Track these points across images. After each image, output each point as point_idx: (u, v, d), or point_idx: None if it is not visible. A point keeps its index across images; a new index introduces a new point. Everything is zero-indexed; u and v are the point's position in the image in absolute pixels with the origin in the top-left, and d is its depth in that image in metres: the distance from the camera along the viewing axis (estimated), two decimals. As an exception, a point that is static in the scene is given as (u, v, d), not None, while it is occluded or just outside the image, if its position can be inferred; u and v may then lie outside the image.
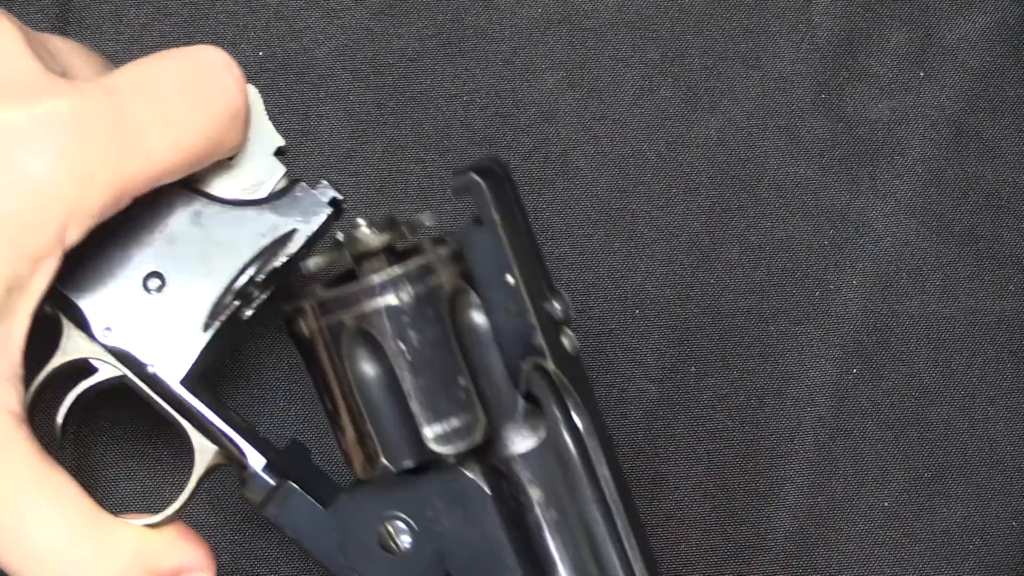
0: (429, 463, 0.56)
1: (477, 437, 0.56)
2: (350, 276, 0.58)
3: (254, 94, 0.59)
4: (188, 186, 0.58)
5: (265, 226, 0.58)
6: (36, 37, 0.57)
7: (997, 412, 0.71)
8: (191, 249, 0.58)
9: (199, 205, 0.58)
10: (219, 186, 0.58)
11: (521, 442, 0.56)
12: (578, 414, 0.55)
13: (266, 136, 0.59)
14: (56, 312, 0.58)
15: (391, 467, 0.56)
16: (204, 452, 0.58)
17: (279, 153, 0.59)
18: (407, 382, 0.55)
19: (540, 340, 0.55)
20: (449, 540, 0.56)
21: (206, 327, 0.58)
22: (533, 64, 0.71)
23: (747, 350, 0.70)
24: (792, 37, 0.71)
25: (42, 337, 0.57)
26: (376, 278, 0.55)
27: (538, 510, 0.56)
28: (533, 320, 0.55)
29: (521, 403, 0.56)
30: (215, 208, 0.58)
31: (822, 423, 0.70)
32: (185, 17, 0.70)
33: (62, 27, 0.69)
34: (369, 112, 0.70)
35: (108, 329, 0.57)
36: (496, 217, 0.55)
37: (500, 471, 0.56)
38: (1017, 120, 0.72)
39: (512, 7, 0.71)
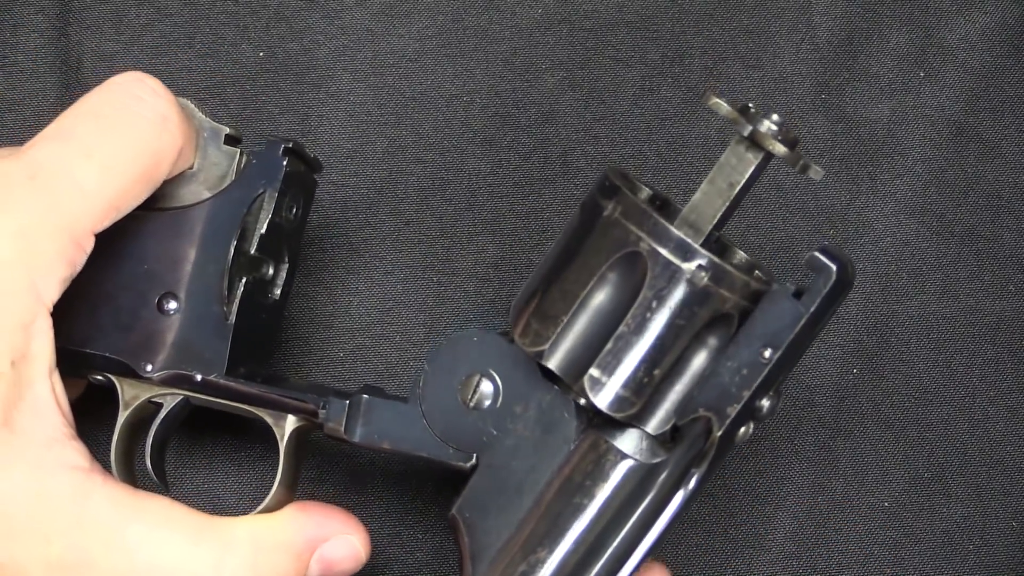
0: (561, 382, 0.57)
1: (616, 414, 0.56)
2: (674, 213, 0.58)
3: (184, 101, 0.60)
4: (160, 209, 0.59)
5: (237, 202, 0.60)
6: None
7: (997, 412, 0.71)
8: (186, 258, 0.59)
9: (175, 218, 0.60)
10: (189, 196, 0.60)
11: (633, 447, 0.56)
12: (686, 483, 0.55)
13: (212, 132, 0.60)
14: (103, 374, 0.60)
15: (543, 359, 0.56)
16: (279, 423, 0.60)
17: (230, 141, 0.60)
18: (624, 328, 0.55)
19: (731, 412, 0.55)
20: (506, 441, 0.57)
21: (226, 316, 0.59)
22: (533, 64, 0.71)
23: (747, 350, 0.70)
24: (792, 37, 0.71)
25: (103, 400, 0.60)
26: (696, 244, 0.55)
27: (586, 500, 0.56)
28: (744, 395, 0.55)
29: (668, 428, 0.56)
30: (193, 213, 0.60)
31: (822, 423, 0.70)
32: (185, 17, 0.70)
33: (62, 28, 0.69)
34: (369, 112, 0.70)
35: (150, 365, 0.59)
36: (812, 310, 0.54)
37: (595, 444, 0.56)
38: (1017, 120, 0.72)
39: (512, 7, 0.71)
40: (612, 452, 0.56)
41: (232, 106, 0.70)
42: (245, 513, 0.59)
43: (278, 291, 0.62)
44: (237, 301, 0.59)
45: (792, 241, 0.71)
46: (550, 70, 0.71)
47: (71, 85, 0.69)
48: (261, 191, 0.60)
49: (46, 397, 0.56)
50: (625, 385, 0.55)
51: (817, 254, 0.54)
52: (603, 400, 0.56)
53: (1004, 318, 0.71)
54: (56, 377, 0.56)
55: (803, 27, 0.72)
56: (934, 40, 0.72)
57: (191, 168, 0.60)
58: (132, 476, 0.61)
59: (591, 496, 0.56)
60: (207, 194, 0.60)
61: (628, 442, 0.56)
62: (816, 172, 0.56)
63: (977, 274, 0.71)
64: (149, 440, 0.61)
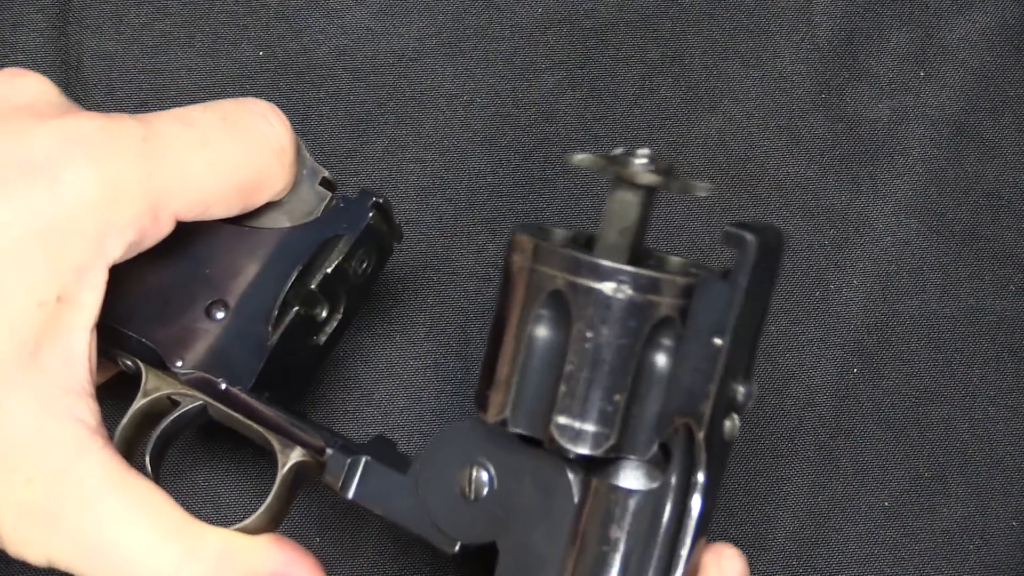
0: (542, 443, 0.56)
1: (597, 452, 0.55)
2: (589, 244, 0.57)
3: (297, 140, 0.61)
4: (243, 224, 0.60)
5: (313, 239, 0.60)
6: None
7: (997, 412, 0.71)
8: (249, 275, 0.60)
9: (254, 238, 0.60)
10: (268, 219, 0.61)
11: (631, 479, 0.55)
12: (693, 492, 0.54)
13: (310, 171, 0.61)
14: (134, 361, 0.60)
15: (510, 425, 0.56)
16: (284, 452, 0.59)
17: (325, 184, 0.61)
18: (570, 366, 0.55)
19: (706, 410, 0.54)
20: (517, 517, 0.56)
21: (268, 337, 0.60)
22: (533, 64, 0.71)
23: (747, 350, 0.70)
24: (792, 37, 0.71)
25: (127, 386, 0.60)
26: (604, 261, 0.54)
27: (607, 547, 0.55)
28: (711, 389, 0.54)
29: (655, 448, 0.55)
30: (269, 235, 0.60)
31: (822, 423, 0.70)
32: (185, 17, 0.70)
33: (62, 27, 0.69)
34: (369, 112, 0.70)
35: (180, 361, 0.60)
36: (743, 283, 0.54)
37: (597, 490, 0.56)
38: (1017, 120, 0.72)
39: (512, 7, 0.71)
40: (613, 492, 0.55)
41: (232, 106, 0.70)
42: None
43: (324, 337, 0.62)
44: (283, 328, 0.60)
45: (792, 241, 0.71)
46: (550, 70, 0.71)
47: (71, 85, 0.69)
48: (340, 234, 0.60)
49: (80, 347, 0.56)
50: (592, 421, 0.55)
51: (729, 229, 0.54)
52: (578, 443, 0.55)
53: (1004, 318, 0.71)
54: (93, 336, 0.56)
55: (803, 27, 0.72)
56: (934, 40, 0.72)
57: (281, 197, 0.61)
58: (130, 460, 0.60)
59: (610, 542, 0.55)
60: (287, 223, 0.61)
61: (624, 476, 0.56)
62: (702, 188, 0.56)
63: (977, 274, 0.71)
64: (157, 431, 0.60)
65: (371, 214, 0.61)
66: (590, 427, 0.55)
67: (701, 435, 0.54)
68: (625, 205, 0.56)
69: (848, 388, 0.70)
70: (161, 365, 0.60)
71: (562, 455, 0.56)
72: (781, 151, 0.71)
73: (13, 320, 0.54)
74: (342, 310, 0.62)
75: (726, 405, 0.55)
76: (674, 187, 0.55)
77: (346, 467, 0.59)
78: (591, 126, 0.71)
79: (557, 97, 0.71)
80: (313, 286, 0.60)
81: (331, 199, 0.61)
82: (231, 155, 0.58)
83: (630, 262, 0.55)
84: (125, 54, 0.70)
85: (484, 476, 0.57)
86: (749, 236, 0.53)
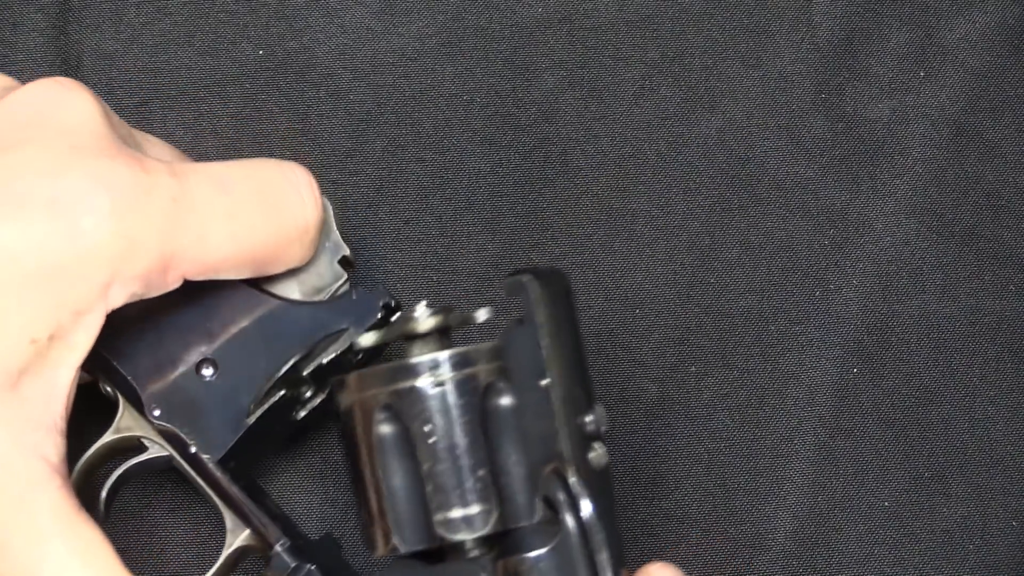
0: (444, 550, 0.57)
1: (486, 529, 0.56)
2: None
3: (326, 204, 0.61)
4: (251, 284, 0.60)
5: (318, 324, 0.60)
6: (116, 118, 0.60)
7: (997, 412, 0.71)
8: (246, 341, 0.60)
9: (260, 302, 0.60)
10: (282, 287, 0.61)
11: (533, 544, 0.56)
12: (591, 528, 0.55)
13: (333, 245, 0.62)
14: (115, 391, 0.60)
15: (402, 547, 0.57)
16: (235, 532, 0.60)
17: (344, 263, 0.62)
18: (425, 465, 0.56)
19: (564, 448, 0.55)
20: None
21: (249, 414, 0.60)
22: (533, 64, 0.71)
23: (747, 350, 0.70)
24: (792, 37, 0.71)
25: (101, 413, 0.60)
26: (413, 359, 0.56)
27: None
28: (559, 427, 0.55)
29: (539, 505, 0.56)
30: (275, 305, 0.60)
31: (822, 423, 0.70)
32: (185, 17, 0.70)
33: (62, 27, 0.69)
34: (369, 112, 0.70)
35: (159, 410, 0.60)
36: (538, 320, 0.55)
37: (509, 570, 0.56)
38: (1017, 120, 0.72)
39: (512, 7, 0.71)
40: (522, 564, 0.56)
41: (232, 105, 0.70)
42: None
43: (303, 413, 0.62)
44: (264, 408, 0.60)
45: (792, 241, 0.71)
46: (550, 69, 0.71)
47: (71, 84, 0.69)
48: (345, 327, 0.60)
49: (62, 385, 0.56)
50: (469, 503, 0.56)
51: (507, 280, 0.56)
52: (466, 529, 0.56)
53: (1004, 318, 0.71)
54: (77, 373, 0.56)
55: (803, 26, 0.72)
56: (934, 40, 0.72)
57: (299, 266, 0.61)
58: (88, 490, 0.61)
59: None
60: (297, 295, 0.61)
61: (526, 545, 0.56)
62: (482, 314, 0.58)
63: (977, 274, 0.71)
64: (120, 470, 0.61)
65: (379, 315, 0.61)
66: (471, 510, 0.56)
67: (571, 474, 0.55)
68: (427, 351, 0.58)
69: (848, 388, 0.70)
70: (139, 406, 0.60)
71: (465, 556, 0.57)
72: (781, 151, 0.71)
73: (1, 352, 0.55)
74: (327, 389, 0.62)
75: (582, 438, 0.56)
76: (456, 320, 0.58)
77: (288, 570, 0.59)
78: (591, 126, 0.71)
79: (557, 97, 0.71)
80: (305, 373, 0.60)
81: (344, 282, 0.61)
82: (255, 231, 0.58)
83: (442, 345, 0.57)
84: (125, 54, 0.69)
85: None
86: (525, 278, 0.56)
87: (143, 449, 0.61)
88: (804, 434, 0.70)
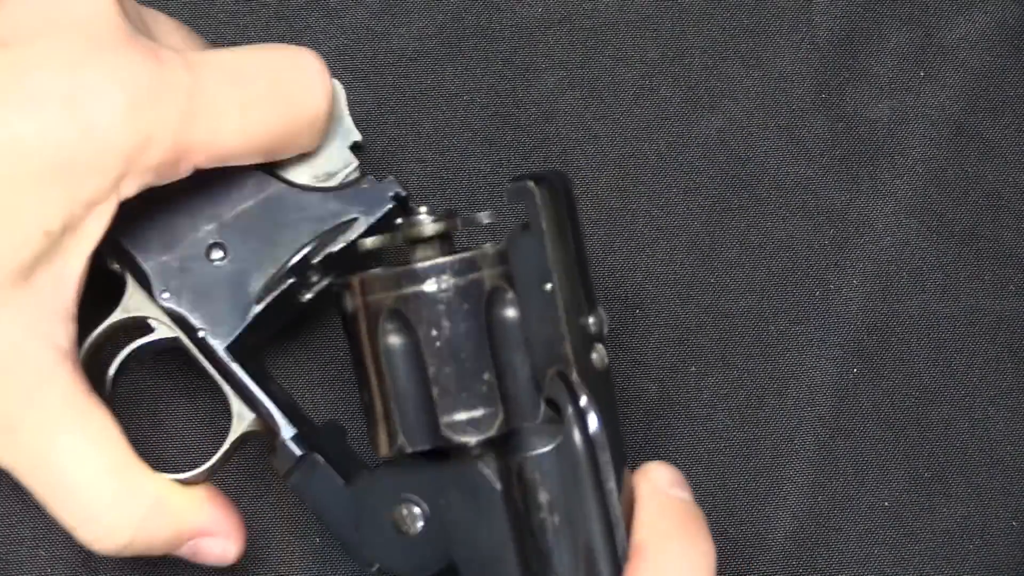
0: (448, 450, 0.58)
1: (492, 431, 0.57)
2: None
3: (338, 88, 0.61)
4: (262, 168, 0.60)
5: (328, 212, 0.61)
6: (133, 5, 0.60)
7: (997, 412, 0.71)
8: (256, 226, 0.60)
9: (270, 186, 0.60)
10: (292, 171, 0.61)
11: (537, 444, 0.57)
12: (595, 426, 0.56)
13: (344, 130, 0.62)
14: (123, 270, 0.60)
15: (408, 447, 0.58)
16: (241, 418, 0.60)
17: (355, 148, 0.62)
18: (432, 369, 0.57)
19: (568, 350, 0.56)
20: (458, 529, 0.58)
21: (258, 300, 0.60)
22: (533, 64, 0.71)
23: (747, 350, 0.70)
24: (792, 37, 0.71)
25: (107, 294, 0.60)
26: (419, 264, 0.57)
27: (544, 513, 0.57)
28: (564, 330, 0.56)
29: (543, 407, 0.57)
30: (285, 190, 0.60)
31: (822, 423, 0.70)
32: (185, 17, 0.70)
33: (62, 27, 0.69)
34: (369, 112, 0.70)
35: (167, 292, 0.60)
36: (543, 225, 0.56)
37: (512, 469, 0.57)
38: (1017, 120, 0.72)
39: (512, 7, 0.71)
40: (527, 463, 0.57)
41: (232, 105, 0.70)
42: (174, 466, 0.61)
43: (309, 295, 0.62)
44: (273, 295, 0.60)
45: (792, 241, 0.71)
46: (550, 69, 0.71)
47: (71, 84, 0.69)
48: (355, 218, 0.61)
49: (73, 273, 0.57)
50: (475, 406, 0.57)
51: (509, 185, 0.57)
52: (473, 432, 0.57)
53: (1004, 318, 0.71)
54: (89, 261, 0.57)
55: (803, 26, 0.72)
56: (934, 40, 0.72)
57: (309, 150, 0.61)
58: (94, 369, 0.61)
59: (544, 507, 0.57)
60: (307, 179, 0.61)
61: (530, 444, 0.57)
62: (483, 217, 0.59)
63: (977, 274, 0.71)
64: (127, 350, 0.61)
65: (389, 206, 0.61)
66: (476, 412, 0.57)
67: (574, 375, 0.56)
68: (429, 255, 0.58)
69: (848, 388, 0.70)
70: (147, 286, 0.60)
71: (469, 454, 0.57)
72: (781, 151, 0.71)
73: (16, 245, 0.55)
74: (333, 274, 0.62)
75: (584, 340, 0.57)
76: (459, 224, 0.59)
77: (295, 460, 0.60)
78: (591, 126, 0.71)
79: (557, 97, 0.71)
80: (315, 261, 0.61)
81: (355, 168, 0.61)
82: (267, 121, 0.58)
83: (443, 250, 0.58)
84: (125, 54, 0.69)
85: (416, 510, 0.58)
86: (529, 184, 0.56)
87: (150, 330, 0.60)
88: (804, 434, 0.70)
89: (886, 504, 0.70)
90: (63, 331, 0.57)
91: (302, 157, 0.61)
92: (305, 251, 0.60)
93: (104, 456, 0.58)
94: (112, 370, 0.61)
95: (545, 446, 0.57)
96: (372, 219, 0.61)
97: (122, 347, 0.61)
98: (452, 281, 0.57)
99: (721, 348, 0.70)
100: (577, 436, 0.56)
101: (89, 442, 0.58)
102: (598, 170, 0.70)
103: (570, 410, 0.56)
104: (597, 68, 0.71)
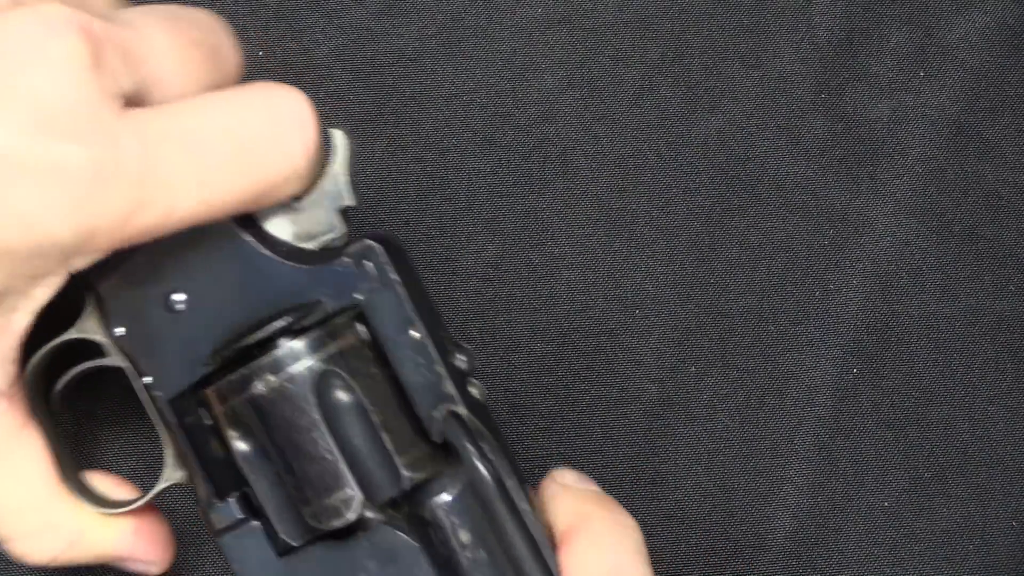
0: (356, 524, 0.57)
1: (394, 492, 0.56)
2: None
3: (339, 142, 0.58)
4: (238, 221, 0.57)
5: (295, 287, 0.58)
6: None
7: (997, 412, 0.71)
8: (220, 283, 0.58)
9: (242, 244, 0.57)
10: (273, 221, 0.58)
11: (443, 488, 0.57)
12: (494, 455, 0.56)
13: (337, 190, 0.58)
14: (85, 290, 0.58)
15: (291, 542, 0.57)
16: (172, 468, 0.59)
17: (346, 212, 0.58)
18: (280, 465, 0.57)
19: (450, 388, 0.57)
20: None
21: (206, 364, 0.58)
22: (533, 64, 0.71)
23: (747, 350, 0.70)
24: (792, 37, 0.71)
25: (64, 310, 0.59)
26: (237, 372, 0.57)
27: (468, 552, 0.57)
28: (441, 370, 0.56)
29: (405, 475, 0.57)
30: (257, 252, 0.57)
31: (822, 423, 0.70)
32: (185, 17, 0.70)
33: (62, 27, 0.69)
34: (369, 112, 0.70)
35: (122, 329, 0.58)
36: (396, 277, 0.56)
37: (427, 519, 0.57)
38: (1017, 120, 0.72)
39: (512, 7, 0.71)
40: (438, 509, 0.57)
41: (232, 106, 0.70)
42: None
43: None
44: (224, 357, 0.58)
45: (792, 241, 0.71)
46: (550, 70, 0.71)
47: (70, 85, 0.69)
48: (318, 300, 0.57)
49: (17, 328, 0.56)
50: (330, 492, 0.57)
51: (350, 249, 0.57)
52: (338, 517, 0.57)
53: (1004, 318, 0.71)
54: (33, 316, 0.56)
55: (803, 26, 0.72)
56: (934, 40, 0.72)
57: (294, 201, 0.57)
58: (40, 384, 0.61)
59: (467, 545, 0.57)
60: (286, 232, 0.58)
61: (435, 491, 0.57)
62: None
63: (977, 274, 0.71)
64: (77, 369, 0.60)
65: (361, 297, 0.57)
66: (333, 497, 0.57)
67: (463, 409, 0.56)
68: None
69: (848, 388, 0.71)
70: (103, 319, 0.58)
71: (381, 521, 0.57)
72: (781, 151, 0.71)
73: None
74: None
75: (461, 377, 0.57)
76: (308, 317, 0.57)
77: (230, 521, 0.58)
78: (591, 126, 0.71)
79: (557, 97, 0.71)
80: (260, 336, 0.58)
81: (340, 236, 0.58)
82: (231, 185, 0.54)
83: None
84: (125, 54, 0.69)
85: None
86: (368, 241, 0.57)
87: (101, 352, 0.59)
88: (804, 434, 0.70)
89: (886, 504, 0.70)
90: (1, 373, 0.57)
91: (286, 209, 0.57)
92: (260, 334, 0.57)
93: (29, 492, 0.59)
94: (59, 386, 0.60)
95: (453, 487, 0.57)
96: (335, 307, 0.57)
97: (72, 363, 0.60)
98: (313, 362, 0.56)
99: (721, 348, 0.70)
100: (483, 469, 0.56)
101: (15, 479, 0.59)
102: (598, 170, 0.70)
103: (468, 445, 0.56)
104: (597, 68, 0.71)
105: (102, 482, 0.62)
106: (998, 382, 0.71)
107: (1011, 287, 0.71)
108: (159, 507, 0.62)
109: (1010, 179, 0.72)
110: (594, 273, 0.70)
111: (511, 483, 0.56)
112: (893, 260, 0.71)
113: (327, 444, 0.56)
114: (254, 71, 0.70)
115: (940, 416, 0.71)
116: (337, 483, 0.56)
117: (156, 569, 0.62)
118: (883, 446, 0.70)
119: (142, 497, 0.61)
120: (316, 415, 0.56)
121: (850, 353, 0.71)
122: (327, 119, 0.70)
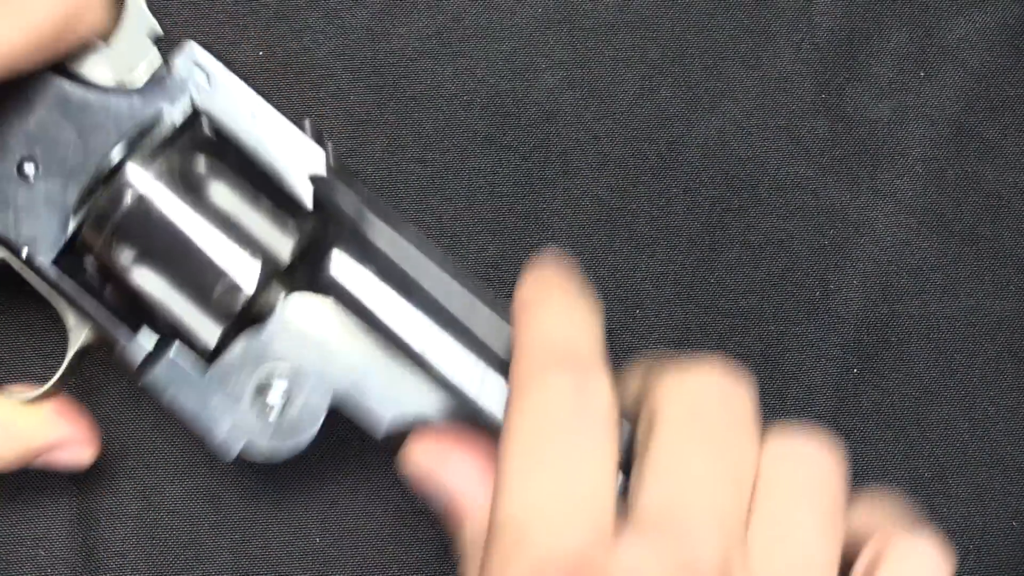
0: (265, 306, 0.58)
1: (249, 287, 0.58)
2: None
3: None
4: (57, 71, 0.59)
5: (133, 109, 0.59)
6: None
7: (997, 412, 0.71)
8: (62, 135, 0.59)
9: (68, 91, 0.59)
10: (90, 68, 0.59)
11: (332, 246, 0.59)
12: (368, 191, 0.59)
13: (144, 18, 0.60)
14: None
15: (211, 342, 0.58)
16: (77, 329, 0.60)
17: (158, 42, 0.60)
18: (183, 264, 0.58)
19: (313, 151, 0.59)
20: (310, 371, 0.58)
21: (75, 211, 0.59)
22: (533, 64, 0.71)
23: (747, 350, 0.70)
24: (792, 37, 0.72)
25: None
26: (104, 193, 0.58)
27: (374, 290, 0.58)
28: (296, 137, 0.59)
29: (313, 216, 0.59)
30: (84, 93, 0.59)
31: (822, 423, 0.70)
32: (185, 17, 0.70)
33: (62, 27, 0.69)
34: (369, 112, 0.70)
35: None
36: (220, 65, 0.59)
37: (328, 279, 0.58)
38: (1017, 120, 0.72)
39: (512, 7, 0.71)
40: (335, 262, 0.58)
41: (232, 105, 0.70)
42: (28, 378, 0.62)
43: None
44: (89, 204, 0.59)
45: (792, 241, 0.71)
46: (550, 70, 0.71)
47: (70, 85, 0.69)
48: (159, 110, 0.59)
49: None
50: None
51: (168, 59, 0.59)
52: (238, 291, 0.58)
53: (1004, 318, 0.71)
54: None
55: (803, 26, 0.72)
56: (934, 40, 0.72)
57: (103, 42, 0.59)
58: None
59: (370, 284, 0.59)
60: (107, 75, 0.59)
61: (325, 251, 0.59)
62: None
63: (977, 274, 0.71)
64: None
65: (197, 94, 0.60)
66: (229, 276, 0.58)
67: (325, 168, 0.59)
68: None
69: (848, 388, 0.71)
70: None
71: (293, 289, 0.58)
72: (781, 151, 0.71)
73: None
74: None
75: (318, 139, 0.60)
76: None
77: (139, 361, 0.59)
78: (591, 126, 0.71)
79: (557, 97, 0.71)
80: (128, 162, 0.59)
81: (160, 65, 0.60)
82: (36, 12, 0.56)
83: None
84: (125, 54, 0.69)
85: (278, 382, 0.59)
86: (183, 42, 0.59)
87: None
88: (804, 434, 0.70)
89: (886, 504, 0.70)
90: None
91: (99, 53, 0.59)
92: (114, 156, 0.59)
93: None
94: None
95: (341, 241, 0.58)
96: (178, 110, 0.59)
97: None
98: (136, 190, 0.57)
99: (721, 348, 0.70)
100: (362, 204, 0.59)
101: None
102: (598, 170, 0.70)
103: (343, 186, 0.58)
104: (597, 68, 0.71)
105: (18, 389, 0.63)
106: (998, 382, 0.71)
107: (1011, 287, 0.71)
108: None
109: (1010, 179, 0.72)
110: (594, 273, 0.70)
111: (388, 209, 0.58)
112: (893, 260, 0.71)
113: (207, 232, 0.58)
114: (254, 71, 0.70)
115: (940, 416, 0.71)
116: (229, 264, 0.58)
117: (87, 452, 0.62)
118: (883, 446, 0.70)
119: (58, 372, 0.61)
120: (185, 210, 0.58)
121: (850, 353, 0.71)
122: (327, 119, 0.70)
